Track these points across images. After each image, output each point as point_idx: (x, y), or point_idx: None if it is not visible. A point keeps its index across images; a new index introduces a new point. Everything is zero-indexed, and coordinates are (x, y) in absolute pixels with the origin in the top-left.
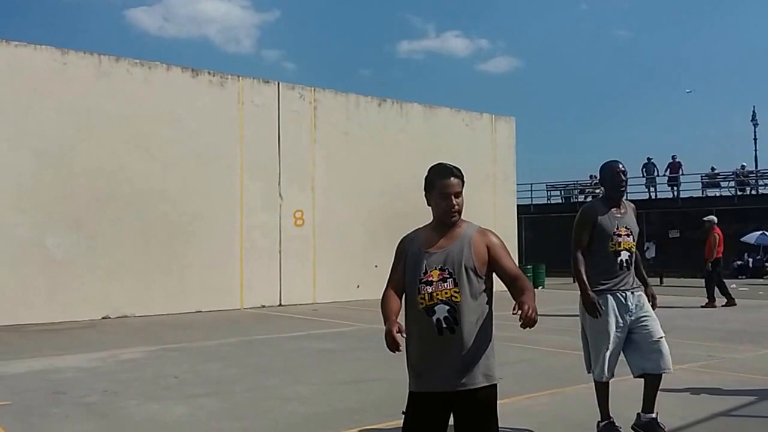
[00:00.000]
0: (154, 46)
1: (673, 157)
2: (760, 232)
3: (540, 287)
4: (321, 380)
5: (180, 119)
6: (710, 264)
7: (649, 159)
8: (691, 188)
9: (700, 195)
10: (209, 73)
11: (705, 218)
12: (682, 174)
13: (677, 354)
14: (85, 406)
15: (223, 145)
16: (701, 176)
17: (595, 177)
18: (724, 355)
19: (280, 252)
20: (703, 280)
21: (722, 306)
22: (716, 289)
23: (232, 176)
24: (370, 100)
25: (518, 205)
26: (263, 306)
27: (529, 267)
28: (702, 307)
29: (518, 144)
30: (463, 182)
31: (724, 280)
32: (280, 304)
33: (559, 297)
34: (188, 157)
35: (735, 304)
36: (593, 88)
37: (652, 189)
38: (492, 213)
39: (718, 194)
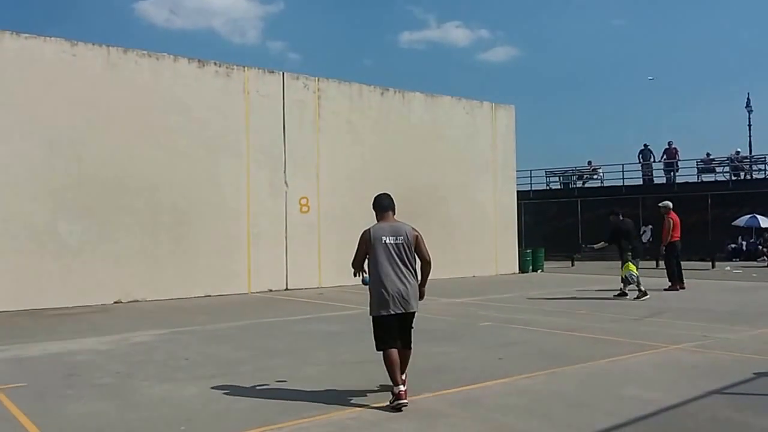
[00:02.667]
0: (162, 38)
1: (669, 143)
2: (750, 215)
3: (539, 270)
4: (327, 361)
5: (187, 109)
6: (664, 248)
7: (645, 145)
8: (686, 173)
9: (696, 180)
10: (215, 63)
11: (660, 204)
12: (679, 160)
13: (672, 334)
14: (99, 388)
15: (230, 134)
16: (696, 162)
17: (593, 163)
18: (718, 335)
19: (286, 238)
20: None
21: (664, 290)
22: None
23: (239, 164)
24: (373, 89)
25: (518, 191)
26: (270, 290)
27: (528, 251)
28: (665, 290)
29: (518, 131)
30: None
31: (721, 263)
32: (287, 289)
33: (556, 280)
34: (195, 145)
35: (677, 290)
36: (591, 77)
37: (648, 174)
38: (492, 198)
39: (713, 179)
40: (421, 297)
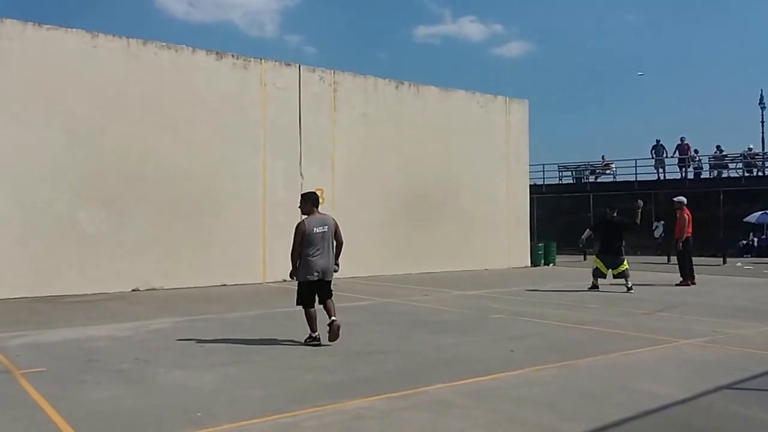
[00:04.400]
0: (181, 31)
1: (682, 140)
2: (762, 211)
3: (551, 264)
4: (340, 351)
5: (205, 100)
6: (680, 243)
7: (657, 141)
8: (698, 169)
9: (708, 176)
10: (233, 56)
11: (674, 198)
12: (691, 156)
13: (683, 329)
14: (117, 373)
15: (246, 126)
16: (709, 158)
17: (606, 158)
18: (728, 331)
19: None
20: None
21: (675, 285)
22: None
23: (255, 155)
24: (388, 82)
25: (531, 185)
26: (285, 280)
27: (540, 245)
28: (676, 285)
29: (531, 126)
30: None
31: (733, 258)
32: None
33: (569, 274)
34: (213, 136)
35: (688, 285)
36: (604, 72)
37: (661, 170)
38: (505, 192)
39: (726, 175)
40: (336, 268)
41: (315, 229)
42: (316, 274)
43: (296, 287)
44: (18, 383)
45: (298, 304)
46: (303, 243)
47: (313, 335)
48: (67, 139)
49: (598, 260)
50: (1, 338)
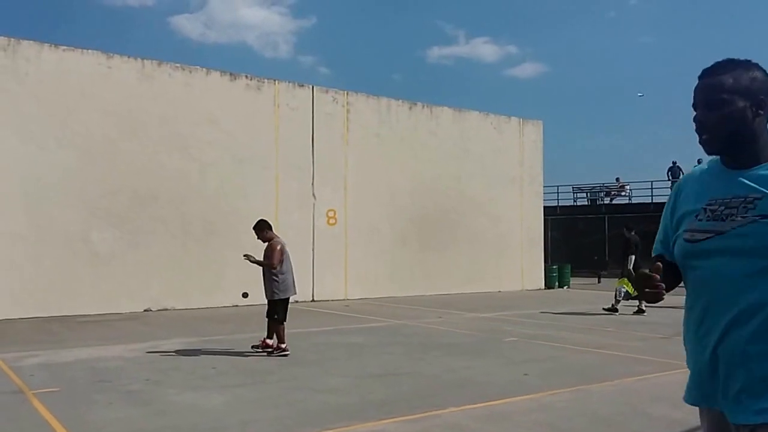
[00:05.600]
0: (196, 52)
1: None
2: None
3: (565, 287)
4: (352, 373)
5: (218, 121)
6: None
7: (674, 162)
8: None
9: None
10: (246, 77)
11: None
12: None
13: None
14: (128, 394)
15: (259, 146)
16: None
17: (621, 180)
18: None
19: (313, 250)
20: None
21: None
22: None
23: (268, 176)
24: (401, 103)
25: (544, 207)
26: (296, 302)
27: (554, 267)
28: None
29: (545, 147)
30: (256, 231)
31: None
32: (313, 300)
33: (583, 297)
34: (225, 157)
35: None
36: (619, 93)
37: None
38: (518, 214)
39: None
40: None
41: (286, 249)
42: (293, 291)
43: (273, 306)
44: (31, 404)
45: (281, 320)
46: (283, 261)
47: (285, 347)
48: (81, 158)
49: (627, 281)
50: (15, 358)
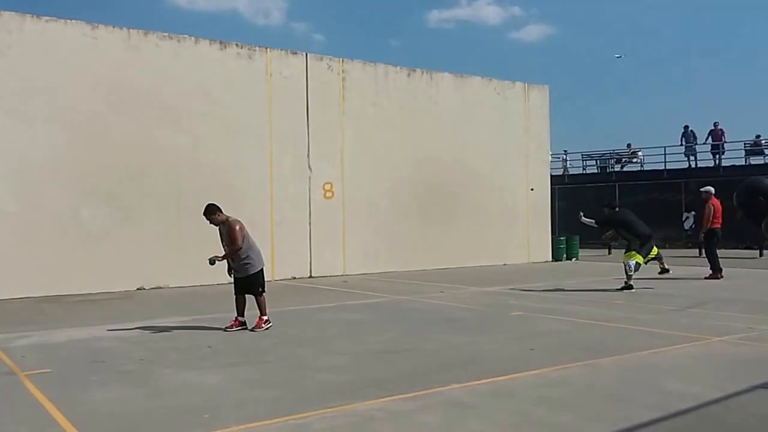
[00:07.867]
0: (185, 20)
1: (715, 125)
2: None
3: (574, 259)
4: (352, 350)
5: (209, 92)
6: (703, 235)
7: (686, 127)
8: (733, 156)
9: (743, 163)
10: (237, 45)
11: (702, 189)
12: (725, 142)
13: (716, 326)
14: (123, 374)
15: (252, 118)
16: (744, 143)
17: (632, 146)
18: (764, 328)
19: (309, 224)
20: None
21: (704, 278)
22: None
23: (262, 148)
24: (399, 70)
25: (552, 175)
26: (294, 278)
27: (562, 238)
28: (705, 278)
29: (552, 113)
30: (207, 216)
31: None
32: (311, 276)
33: (593, 269)
34: (218, 129)
35: (718, 279)
36: (630, 56)
37: (692, 157)
38: (524, 183)
39: (762, 162)
40: None
41: (243, 223)
42: (262, 260)
43: (252, 281)
44: (23, 385)
45: (262, 291)
46: (245, 237)
47: (268, 318)
48: (69, 134)
49: (639, 255)
50: (6, 339)
